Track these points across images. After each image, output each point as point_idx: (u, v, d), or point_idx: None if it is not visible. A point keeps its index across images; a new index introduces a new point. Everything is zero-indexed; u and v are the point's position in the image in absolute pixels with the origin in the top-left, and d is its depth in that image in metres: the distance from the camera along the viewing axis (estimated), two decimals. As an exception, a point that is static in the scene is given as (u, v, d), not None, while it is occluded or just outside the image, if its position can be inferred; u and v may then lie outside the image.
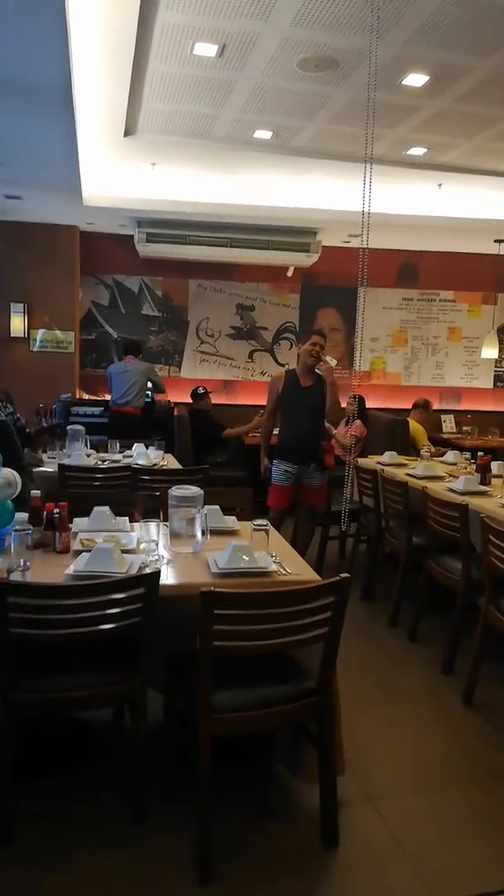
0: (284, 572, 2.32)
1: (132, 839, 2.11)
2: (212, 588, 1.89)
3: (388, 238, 7.04)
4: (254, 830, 2.17)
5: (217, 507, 2.87)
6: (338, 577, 2.01)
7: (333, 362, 4.54)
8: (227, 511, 2.94)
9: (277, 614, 1.94)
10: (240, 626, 1.93)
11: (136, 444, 4.74)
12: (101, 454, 4.66)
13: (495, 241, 6.94)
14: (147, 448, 4.70)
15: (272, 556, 2.41)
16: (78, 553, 2.38)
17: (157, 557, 2.39)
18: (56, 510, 2.47)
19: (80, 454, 4.41)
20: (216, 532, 2.71)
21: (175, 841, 2.09)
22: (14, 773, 2.05)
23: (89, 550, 2.34)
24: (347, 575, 2.03)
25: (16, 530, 2.29)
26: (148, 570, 2.16)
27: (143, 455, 4.51)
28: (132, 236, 6.93)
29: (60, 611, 1.98)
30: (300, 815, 2.27)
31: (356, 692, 2.98)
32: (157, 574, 2.06)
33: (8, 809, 2.06)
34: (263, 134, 4.90)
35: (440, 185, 5.77)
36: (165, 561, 2.39)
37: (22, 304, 7.08)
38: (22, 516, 2.44)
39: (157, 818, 2.19)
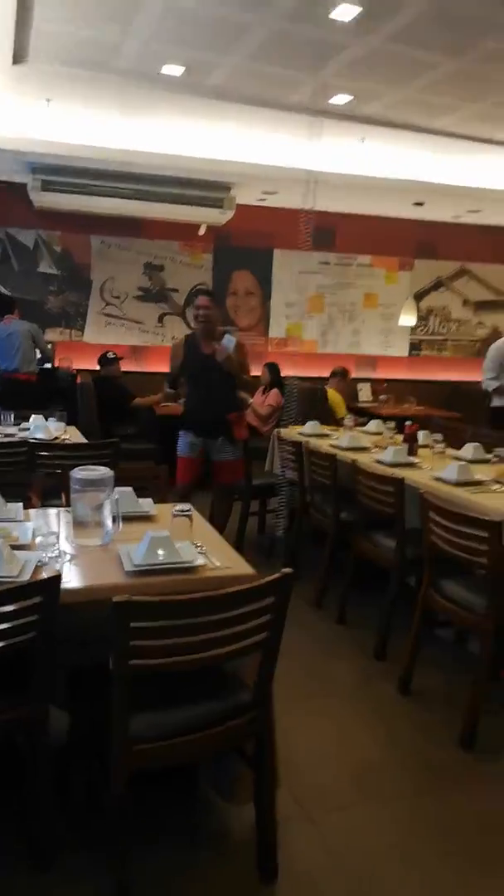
0: (213, 566, 1.98)
1: (35, 893, 1.74)
2: (126, 594, 1.53)
3: (303, 197, 6.70)
4: (179, 868, 1.86)
5: (130, 489, 2.48)
6: (278, 574, 1.70)
7: (231, 342, 3.89)
8: (139, 490, 2.56)
9: (207, 623, 1.61)
10: (162, 640, 1.58)
11: (33, 416, 4.22)
12: (-7, 427, 4.12)
13: (414, 203, 6.76)
14: (46, 420, 4.20)
15: (197, 547, 2.07)
16: (-43, 552, 1.93)
17: (57, 553, 1.98)
18: None
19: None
20: (129, 518, 2.33)
21: (89, 892, 1.74)
22: None
23: (-29, 549, 1.90)
24: (289, 570, 1.71)
25: None
26: (46, 573, 1.76)
27: (42, 428, 4.02)
28: (25, 184, 6.22)
29: None
30: (232, 843, 1.98)
31: (283, 684, 2.70)
32: (56, 579, 1.67)
33: None
34: (174, 70, 4.40)
35: (363, 139, 5.47)
36: (68, 558, 1.99)
37: None
38: None
39: (65, 866, 1.82)
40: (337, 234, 7.64)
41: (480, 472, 3.22)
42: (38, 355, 5.92)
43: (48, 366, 6.42)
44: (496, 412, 5.70)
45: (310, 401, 5.89)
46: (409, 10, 3.43)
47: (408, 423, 3.94)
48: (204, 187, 6.40)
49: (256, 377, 4.30)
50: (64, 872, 1.81)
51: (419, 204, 6.80)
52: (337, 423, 5.18)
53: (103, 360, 6.15)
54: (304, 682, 2.92)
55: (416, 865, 1.90)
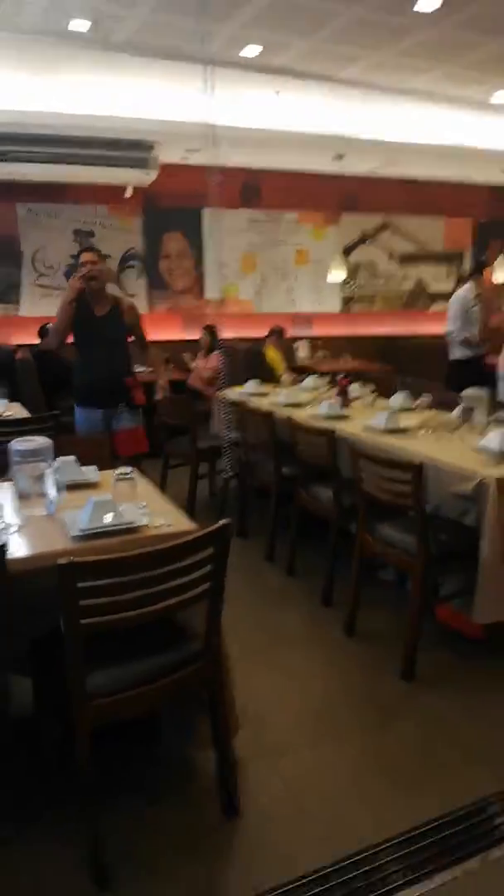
0: (156, 525, 2.06)
1: (13, 850, 1.84)
2: (70, 558, 1.60)
3: (228, 154, 6.64)
4: (147, 814, 1.98)
5: (72, 457, 2.53)
6: (216, 525, 1.80)
7: (115, 289, 3.78)
8: (86, 460, 2.61)
9: (150, 578, 1.70)
10: (108, 597, 1.66)
11: (-29, 394, 4.18)
12: None
13: (335, 157, 6.78)
14: (-15, 397, 4.16)
15: (141, 508, 2.14)
16: None
17: (3, 526, 2.03)
18: None
19: None
20: (74, 487, 2.38)
21: (62, 846, 1.84)
22: None
23: None
24: (227, 520, 1.81)
25: None
26: (-8, 544, 1.81)
27: (-19, 405, 3.98)
28: None
29: None
30: (197, 785, 2.10)
31: (238, 635, 2.83)
32: (2, 548, 1.73)
33: None
34: (81, 25, 4.27)
35: (277, 91, 5.43)
36: (14, 529, 2.04)
37: None
38: None
39: (41, 823, 1.92)
40: (262, 190, 7.61)
41: (408, 419, 3.37)
42: None
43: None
44: (456, 366, 5.58)
45: (249, 361, 5.96)
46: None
47: (340, 377, 4.06)
48: (126, 147, 6.25)
49: (145, 341, 3.97)
50: (40, 830, 1.90)
51: (339, 157, 6.82)
52: (277, 381, 5.27)
53: (43, 332, 6.05)
54: (258, 632, 3.06)
55: (368, 799, 2.04)
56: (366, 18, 4.18)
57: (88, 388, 3.75)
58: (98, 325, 3.69)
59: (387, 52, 4.73)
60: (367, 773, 2.16)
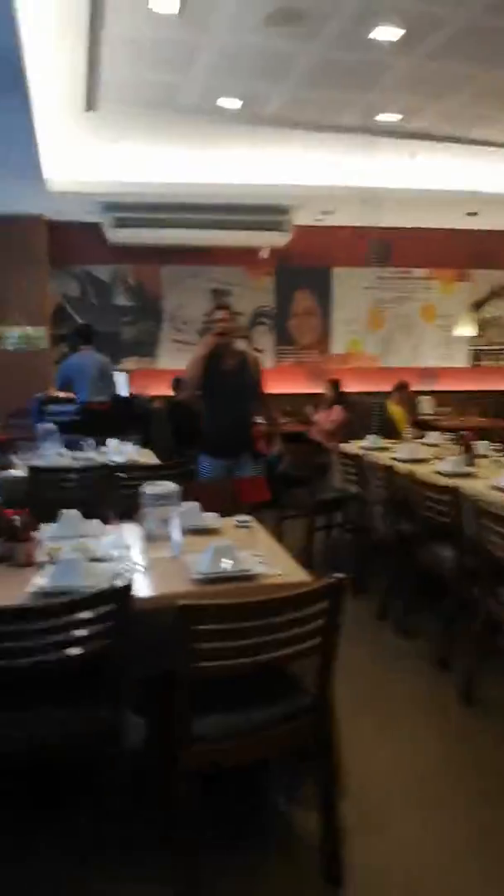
0: (272, 574, 2.13)
1: (113, 884, 1.88)
2: (192, 599, 1.71)
3: (360, 214, 6.84)
4: (247, 869, 1.95)
5: (195, 503, 2.67)
6: (331, 579, 1.83)
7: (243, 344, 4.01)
8: (210, 506, 2.73)
9: (264, 626, 1.75)
10: (221, 642, 1.74)
11: (110, 441, 4.52)
12: (76, 453, 4.42)
13: (467, 214, 6.77)
14: (122, 444, 4.49)
15: (258, 556, 2.22)
16: (44, 565, 2.17)
17: (130, 566, 2.19)
18: (16, 517, 2.25)
19: (53, 454, 4.19)
20: (196, 531, 2.51)
21: (164, 890, 1.84)
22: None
23: (55, 562, 2.13)
24: (343, 575, 1.84)
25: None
26: (119, 582, 1.96)
27: (119, 452, 4.30)
28: (100, 224, 6.65)
29: (16, 638, 1.73)
30: (299, 846, 2.05)
31: (347, 695, 2.78)
32: (127, 587, 1.86)
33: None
34: (231, 103, 4.67)
35: (414, 154, 5.57)
36: (140, 569, 2.19)
37: (-11, 301, 6.76)
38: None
39: (144, 864, 1.95)
40: (394, 248, 7.71)
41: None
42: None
43: (124, 394, 6.77)
44: None
45: (371, 415, 5.97)
46: (447, 27, 3.55)
47: (464, 433, 3.97)
48: (264, 212, 6.65)
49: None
50: (144, 869, 1.92)
51: (472, 214, 6.80)
52: (399, 436, 5.24)
53: (178, 383, 6.44)
54: (367, 694, 2.97)
55: (481, 876, 1.93)
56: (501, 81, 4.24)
57: (216, 437, 3.92)
58: (226, 377, 3.87)
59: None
60: (483, 852, 2.04)
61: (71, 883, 1.91)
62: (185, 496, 2.59)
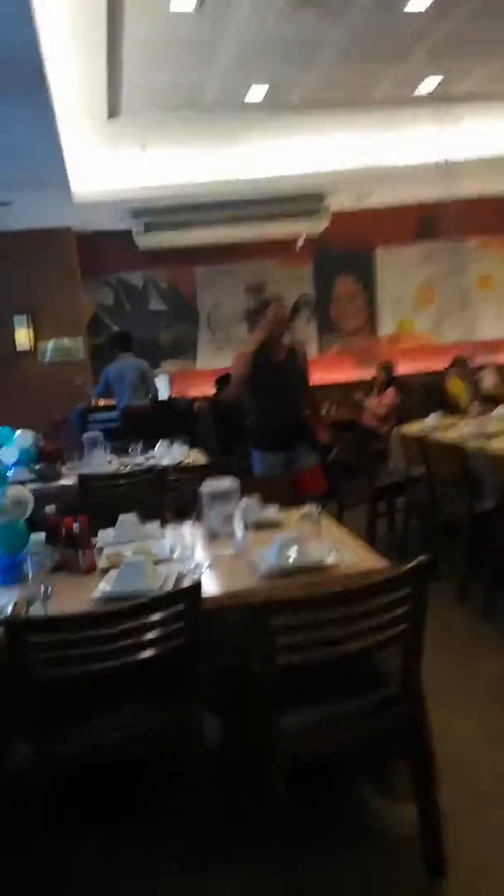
0: (345, 562, 1.98)
1: (209, 884, 1.80)
2: (263, 594, 1.58)
3: (401, 191, 6.61)
4: (344, 867, 1.85)
5: (255, 497, 2.55)
6: (414, 563, 1.68)
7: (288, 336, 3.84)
8: (265, 501, 2.61)
9: (345, 617, 1.61)
10: (303, 636, 1.61)
11: (158, 444, 4.44)
12: (123, 459, 4.37)
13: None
14: (170, 446, 4.40)
15: (327, 546, 2.08)
16: (105, 571, 2.08)
17: (194, 565, 2.08)
18: (75, 524, 2.17)
19: (101, 461, 4.14)
20: (259, 526, 2.38)
21: (257, 884, 1.77)
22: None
23: (117, 567, 2.04)
24: (425, 557, 1.68)
25: (33, 554, 2.01)
26: (186, 582, 1.85)
27: (167, 454, 4.22)
28: (130, 230, 6.62)
29: (89, 644, 1.67)
30: (395, 841, 1.93)
31: (430, 680, 2.63)
32: (197, 586, 1.75)
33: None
34: (257, 93, 4.54)
35: (461, 119, 5.29)
36: (204, 568, 2.08)
37: (25, 316, 6.81)
38: (38, 537, 2.16)
39: (221, 866, 1.86)
40: (440, 221, 7.41)
41: None
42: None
43: (165, 397, 6.73)
44: None
45: (428, 395, 5.75)
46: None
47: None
48: (298, 200, 6.50)
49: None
50: (237, 873, 1.85)
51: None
52: (461, 413, 5.00)
53: (224, 381, 6.35)
54: (449, 680, 2.78)
55: None
56: None
57: (270, 431, 3.80)
58: (277, 370, 3.76)
59: None
60: None
61: (161, 882, 1.85)
62: (241, 493, 2.49)
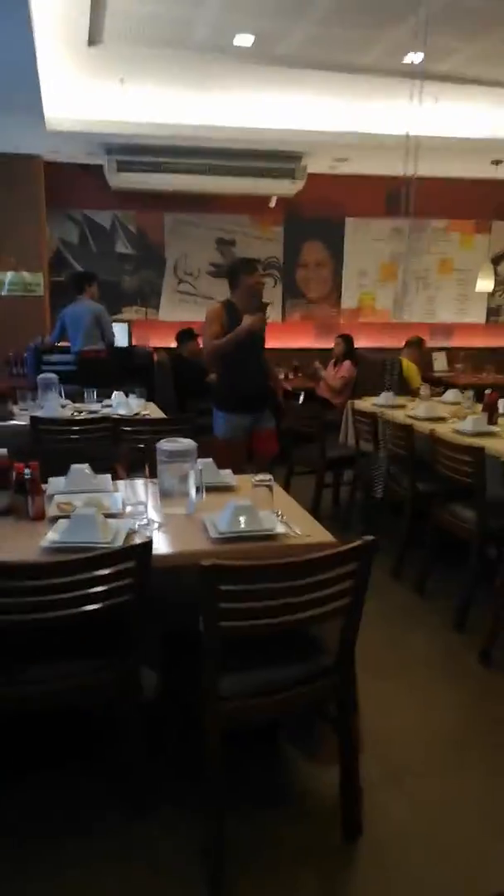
0: (294, 534, 2.03)
1: (129, 839, 1.87)
2: (213, 559, 1.61)
3: (375, 162, 6.53)
4: (267, 824, 1.95)
5: (211, 460, 2.56)
6: (362, 541, 1.73)
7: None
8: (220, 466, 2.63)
9: (290, 588, 1.66)
10: (247, 602, 1.65)
11: (115, 393, 4.39)
12: (78, 405, 4.30)
13: (493, 162, 6.47)
14: (127, 396, 4.35)
15: (278, 516, 2.12)
16: (54, 520, 2.07)
17: (146, 522, 2.09)
18: (27, 471, 2.14)
19: (55, 405, 4.06)
20: (212, 489, 2.41)
21: (177, 841, 1.85)
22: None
23: (67, 516, 2.03)
24: (373, 537, 1.74)
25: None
26: (137, 539, 1.86)
27: (124, 404, 4.17)
28: (101, 166, 6.35)
29: (35, 592, 1.68)
30: (317, 802, 2.05)
31: (363, 651, 2.74)
32: (148, 544, 1.77)
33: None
34: (245, 40, 4.37)
35: (437, 99, 5.27)
36: (156, 526, 2.09)
37: (-17, 244, 6.50)
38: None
39: (159, 815, 1.94)
40: (406, 198, 7.40)
41: None
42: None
43: (124, 345, 6.59)
44: None
45: (383, 372, 5.82)
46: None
47: (488, 391, 3.84)
48: (275, 158, 6.35)
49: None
50: (157, 821, 1.92)
51: (497, 162, 6.50)
52: (412, 393, 5.10)
53: (185, 336, 6.26)
54: (383, 651, 2.94)
55: (501, 836, 1.91)
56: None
57: (238, 393, 3.84)
58: (247, 335, 3.74)
59: None
60: (501, 812, 2.01)
61: (86, 835, 1.90)
62: (200, 453, 2.49)
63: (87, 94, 5.40)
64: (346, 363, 6.20)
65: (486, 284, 6.88)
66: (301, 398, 6.17)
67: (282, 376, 6.23)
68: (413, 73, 4.80)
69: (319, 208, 7.16)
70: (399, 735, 2.37)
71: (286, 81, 5.12)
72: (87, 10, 3.95)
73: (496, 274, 7.29)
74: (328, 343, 6.73)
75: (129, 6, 3.92)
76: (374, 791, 2.04)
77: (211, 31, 4.26)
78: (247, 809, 1.98)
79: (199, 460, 2.43)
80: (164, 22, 4.14)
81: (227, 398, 3.88)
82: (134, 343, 6.82)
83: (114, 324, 6.81)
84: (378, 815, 1.97)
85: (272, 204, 7.03)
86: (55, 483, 2.44)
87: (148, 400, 4.61)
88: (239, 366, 3.77)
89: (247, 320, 3.66)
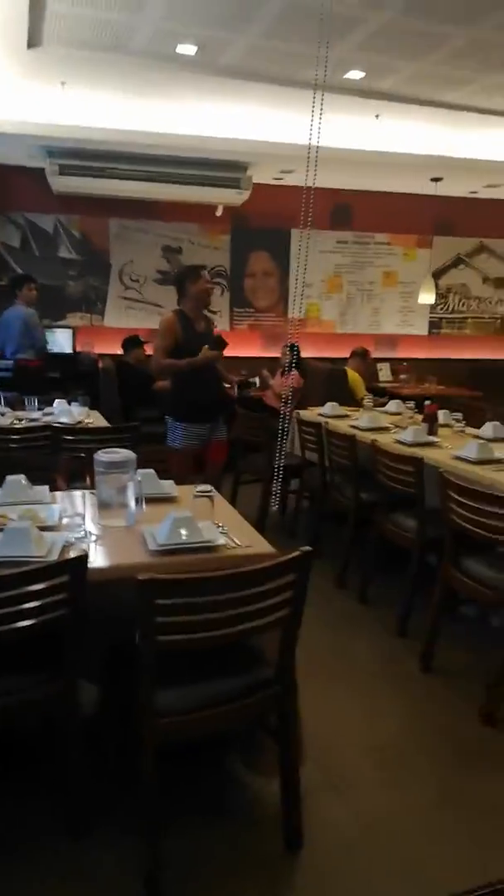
0: (233, 545, 2.02)
1: (68, 859, 1.82)
2: (150, 573, 1.57)
3: (320, 175, 6.60)
4: (208, 837, 1.92)
5: (152, 470, 2.53)
6: (298, 552, 1.73)
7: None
8: (161, 474, 2.60)
9: (229, 600, 1.65)
10: (185, 616, 1.62)
11: (57, 401, 4.29)
12: (18, 412, 4.19)
13: (432, 179, 6.65)
14: (70, 404, 4.26)
15: (218, 527, 2.11)
16: (-13, 533, 1.99)
17: (83, 534, 2.04)
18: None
19: (-7, 413, 3.94)
20: (152, 500, 2.37)
21: (119, 859, 1.81)
22: None
23: (1, 530, 1.96)
24: (309, 548, 1.74)
25: None
26: (73, 553, 1.81)
27: (66, 412, 4.08)
28: (43, 169, 6.24)
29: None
30: (259, 813, 2.03)
31: (306, 660, 2.74)
32: (83, 558, 1.72)
33: None
34: (187, 49, 4.37)
35: (377, 115, 5.39)
36: (94, 538, 2.04)
37: None
38: None
39: (98, 833, 1.89)
40: (354, 212, 7.56)
41: (501, 451, 3.20)
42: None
43: (68, 351, 6.47)
44: None
45: (329, 381, 5.89)
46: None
47: (427, 402, 3.93)
48: (220, 168, 6.36)
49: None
50: (97, 839, 1.88)
51: (437, 179, 6.69)
52: (357, 403, 5.17)
53: (132, 343, 6.19)
54: (327, 659, 2.96)
55: (444, 843, 1.93)
56: (479, 41, 4.07)
57: (195, 403, 3.82)
58: (201, 340, 3.76)
59: (498, 75, 4.59)
60: (442, 819, 2.04)
61: (27, 852, 1.83)
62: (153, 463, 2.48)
63: (27, 97, 5.29)
64: (294, 373, 6.23)
65: (427, 297, 7.06)
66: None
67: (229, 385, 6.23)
68: (355, 89, 4.92)
69: (266, 218, 7.21)
70: (342, 742, 2.38)
71: (231, 91, 5.14)
72: (26, 12, 3.88)
73: (437, 288, 7.49)
74: (275, 353, 6.78)
75: (69, 9, 3.87)
76: (316, 799, 2.05)
77: (153, 39, 4.24)
78: (188, 823, 1.96)
79: (140, 471, 2.40)
80: (105, 26, 4.10)
81: (182, 407, 3.85)
82: (78, 349, 6.71)
83: (57, 329, 6.70)
84: (320, 824, 1.97)
85: (219, 213, 7.04)
86: (-11, 494, 2.36)
87: (92, 407, 4.53)
88: (194, 375, 3.74)
89: (205, 353, 3.68)
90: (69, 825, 1.90)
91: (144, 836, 1.71)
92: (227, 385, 4.32)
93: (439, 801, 2.12)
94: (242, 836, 1.93)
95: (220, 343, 3.75)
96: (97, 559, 1.89)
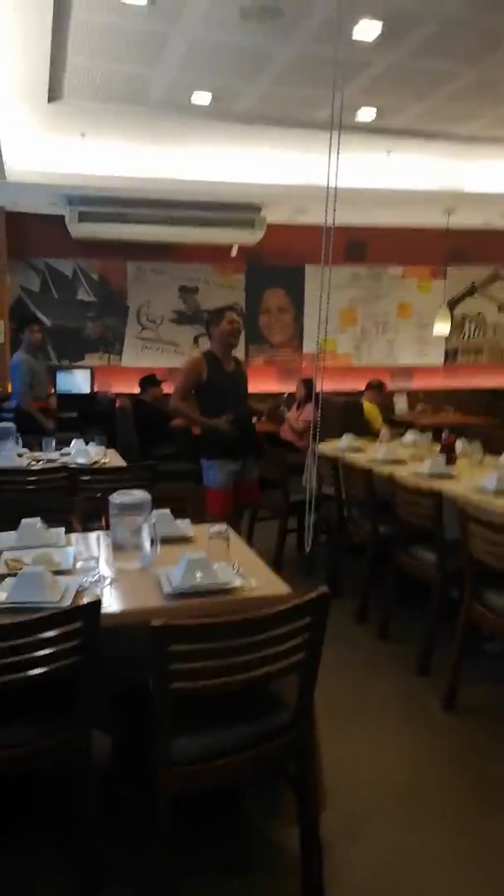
0: (250, 586, 1.99)
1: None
2: (164, 618, 1.56)
3: (336, 213, 6.72)
4: (228, 889, 1.86)
5: (167, 511, 2.52)
6: (314, 594, 1.70)
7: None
8: (177, 511, 2.59)
9: (244, 645, 1.62)
10: (200, 662, 1.60)
11: (74, 441, 4.33)
12: (35, 453, 4.23)
13: (444, 211, 6.72)
14: (87, 444, 4.30)
15: (234, 568, 2.09)
16: (2, 578, 2.00)
17: (97, 578, 2.03)
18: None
19: (11, 454, 3.99)
20: (167, 541, 2.36)
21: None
22: None
23: (15, 574, 1.96)
24: (325, 589, 1.72)
25: None
26: (87, 597, 1.80)
27: (83, 452, 4.11)
28: (63, 216, 6.42)
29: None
30: (278, 864, 1.97)
31: (326, 700, 2.68)
32: (96, 604, 1.71)
33: None
34: (202, 98, 4.51)
35: (389, 152, 5.49)
36: (108, 581, 2.03)
37: None
38: None
39: (110, 890, 1.84)
40: (368, 247, 7.64)
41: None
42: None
43: (86, 391, 6.55)
44: None
45: (346, 414, 5.88)
46: (429, 23, 3.45)
47: (445, 433, 3.90)
48: (235, 209, 6.50)
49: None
50: (110, 893, 1.83)
51: (449, 212, 6.76)
52: (374, 435, 5.15)
53: (149, 382, 6.26)
54: (347, 698, 2.89)
55: (467, 883, 1.86)
56: (485, 78, 4.16)
57: (227, 441, 3.85)
58: (230, 380, 3.91)
59: None
60: (468, 858, 1.97)
61: None
62: (164, 502, 2.47)
63: (47, 148, 5.49)
64: (308, 406, 6.24)
65: (442, 328, 7.06)
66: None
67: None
68: (366, 128, 5.02)
69: (280, 256, 7.32)
70: (362, 785, 2.31)
71: (244, 136, 5.28)
72: (47, 68, 4.05)
73: (452, 318, 7.50)
74: (291, 387, 6.81)
75: (88, 64, 4.03)
76: (336, 846, 1.99)
77: (168, 89, 4.39)
78: (206, 875, 1.90)
79: (155, 511, 2.40)
80: (123, 79, 4.26)
81: (214, 445, 3.88)
82: (96, 389, 6.81)
83: (76, 370, 6.81)
84: (340, 872, 1.90)
85: (234, 253, 7.16)
86: (5, 538, 2.36)
87: (109, 446, 4.56)
88: (224, 411, 3.83)
89: (223, 425, 3.81)
90: (81, 881, 1.85)
91: (158, 890, 1.66)
92: (254, 419, 4.41)
93: (468, 847, 2.03)
94: (260, 888, 1.87)
95: (245, 429, 3.91)
96: (111, 604, 1.87)
